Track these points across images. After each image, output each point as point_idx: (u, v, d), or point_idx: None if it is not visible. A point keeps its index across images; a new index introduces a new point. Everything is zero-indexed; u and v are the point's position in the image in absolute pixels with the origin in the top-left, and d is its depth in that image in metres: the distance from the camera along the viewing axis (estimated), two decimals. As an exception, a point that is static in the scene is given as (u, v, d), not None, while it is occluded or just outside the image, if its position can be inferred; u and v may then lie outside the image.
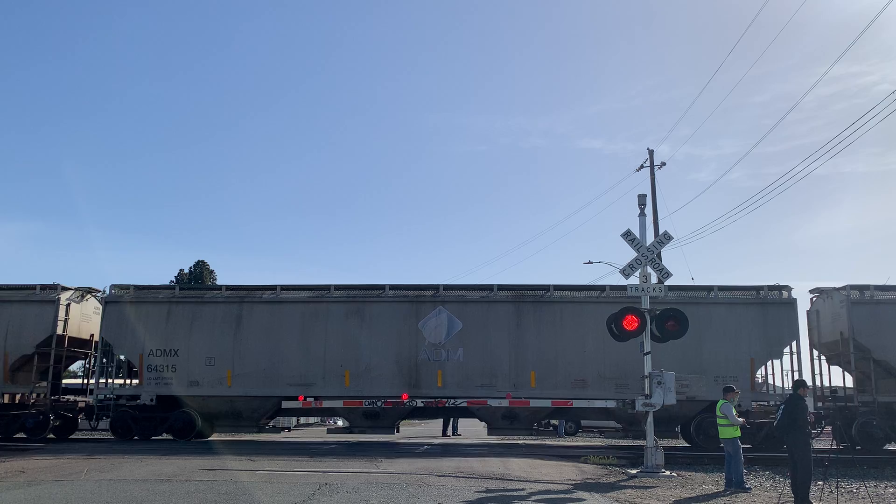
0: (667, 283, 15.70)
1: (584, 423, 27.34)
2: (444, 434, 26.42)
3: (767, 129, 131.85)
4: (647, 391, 13.77)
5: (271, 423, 22.13)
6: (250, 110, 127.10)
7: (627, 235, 14.41)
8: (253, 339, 20.16)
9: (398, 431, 21.61)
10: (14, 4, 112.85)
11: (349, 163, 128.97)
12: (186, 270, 51.71)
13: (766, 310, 19.70)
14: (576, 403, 19.07)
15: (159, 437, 20.51)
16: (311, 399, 19.73)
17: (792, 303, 19.83)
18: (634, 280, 14.51)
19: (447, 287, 20.65)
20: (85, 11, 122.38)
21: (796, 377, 19.03)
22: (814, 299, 21.18)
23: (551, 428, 28.33)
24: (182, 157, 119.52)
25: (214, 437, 21.32)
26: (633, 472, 13.65)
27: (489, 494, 10.20)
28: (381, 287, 20.63)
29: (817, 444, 14.97)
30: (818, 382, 20.77)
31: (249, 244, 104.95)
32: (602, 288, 20.53)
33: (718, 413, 12.21)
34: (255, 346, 20.11)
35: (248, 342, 20.15)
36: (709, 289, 20.22)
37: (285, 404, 20.01)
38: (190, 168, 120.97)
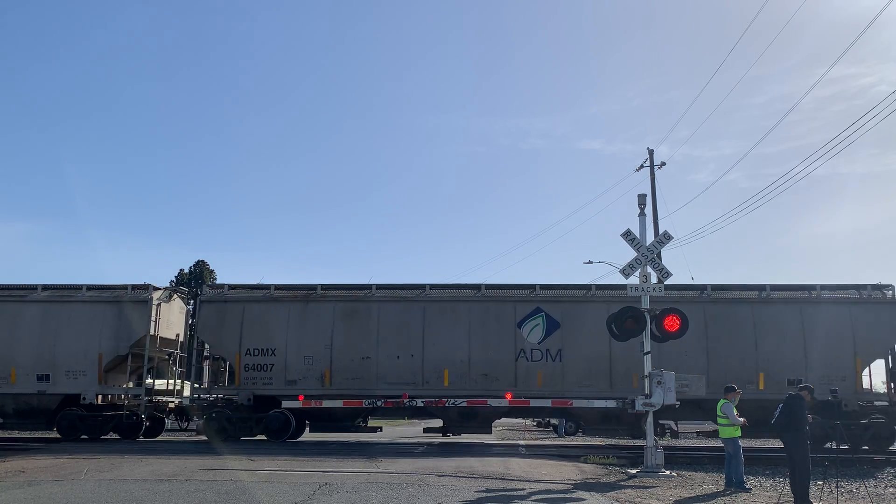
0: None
1: None
2: (444, 434, 26.40)
3: (766, 130, 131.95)
4: (647, 391, 13.78)
5: None
6: (251, 110, 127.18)
7: (627, 235, 14.41)
8: None
9: None
10: (14, 4, 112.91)
11: (349, 163, 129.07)
12: (186, 270, 51.75)
13: (122, 307, 20.58)
14: (576, 403, 19.08)
15: (156, 438, 20.60)
16: None
17: (146, 301, 20.57)
18: (634, 280, 14.52)
19: None
20: (85, 11, 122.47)
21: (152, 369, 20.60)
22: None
23: (551, 428, 28.34)
24: (182, 157, 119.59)
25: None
26: (633, 471, 13.65)
27: (489, 494, 10.20)
28: None
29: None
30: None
31: (249, 244, 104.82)
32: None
33: (719, 413, 12.21)
34: None
35: None
36: (78, 288, 20.91)
37: None
38: (190, 168, 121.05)
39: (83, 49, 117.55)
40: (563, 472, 13.17)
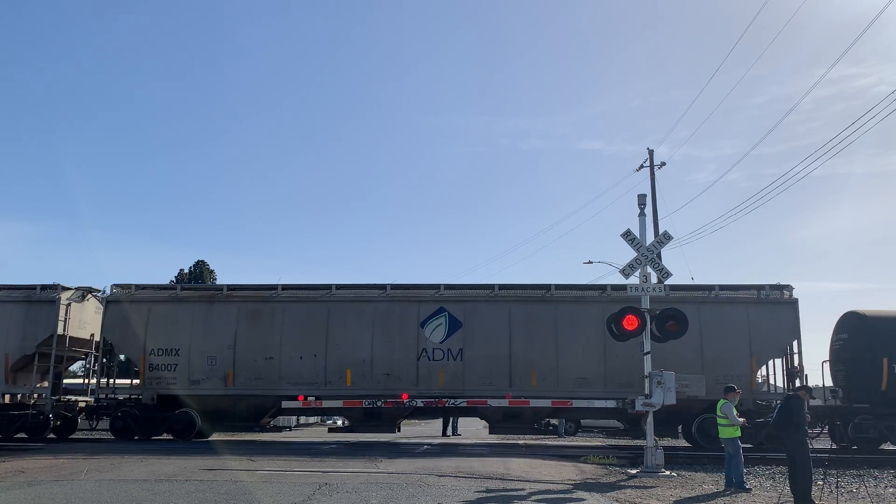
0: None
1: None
2: (444, 434, 26.43)
3: (766, 131, 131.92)
4: (647, 391, 13.77)
5: None
6: (251, 111, 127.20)
7: (627, 235, 14.40)
8: None
9: None
10: (15, 5, 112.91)
11: (350, 163, 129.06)
12: (186, 270, 51.74)
13: (30, 307, 20.76)
14: (576, 403, 19.10)
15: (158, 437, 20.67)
16: None
17: (54, 301, 20.73)
18: (634, 280, 14.51)
19: None
20: (87, 12, 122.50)
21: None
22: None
23: (551, 427, 28.35)
24: (183, 158, 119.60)
25: (214, 436, 21.31)
26: (633, 471, 13.64)
27: (489, 494, 10.20)
28: None
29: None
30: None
31: (249, 244, 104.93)
32: None
33: (719, 413, 12.20)
34: None
35: None
36: None
37: None
38: (190, 168, 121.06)
39: (83, 50, 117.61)
40: (563, 472, 13.16)
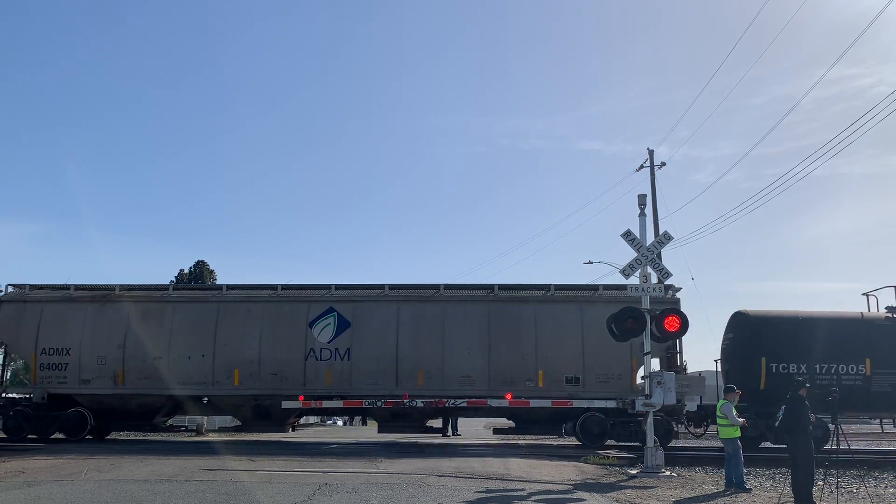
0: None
1: None
2: (444, 434, 26.39)
3: (766, 131, 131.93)
4: (647, 391, 13.77)
5: None
6: (252, 112, 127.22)
7: (627, 235, 14.39)
8: None
9: None
10: (15, 5, 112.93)
11: (350, 164, 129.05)
12: (186, 271, 51.69)
13: None
14: (576, 403, 19.09)
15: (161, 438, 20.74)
16: None
17: None
18: (634, 280, 14.50)
19: None
20: (88, 14, 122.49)
21: None
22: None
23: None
24: (183, 159, 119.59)
25: (214, 436, 21.32)
26: (633, 472, 13.63)
27: (489, 494, 10.19)
28: None
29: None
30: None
31: (249, 244, 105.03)
32: None
33: (718, 413, 12.21)
34: None
35: None
36: None
37: None
38: (191, 169, 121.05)
39: (85, 52, 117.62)
40: (563, 473, 13.15)
